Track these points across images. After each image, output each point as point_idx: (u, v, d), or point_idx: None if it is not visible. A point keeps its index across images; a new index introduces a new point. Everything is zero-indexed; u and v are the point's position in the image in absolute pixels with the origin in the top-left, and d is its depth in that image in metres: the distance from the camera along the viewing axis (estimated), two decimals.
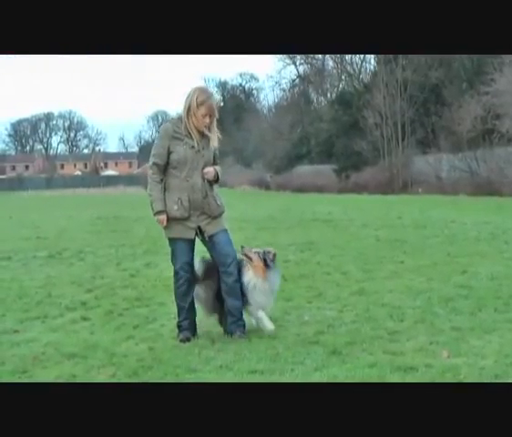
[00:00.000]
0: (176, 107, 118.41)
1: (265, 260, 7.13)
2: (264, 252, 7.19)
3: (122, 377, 5.79)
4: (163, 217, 7.01)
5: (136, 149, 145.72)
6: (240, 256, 7.22)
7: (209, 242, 7.12)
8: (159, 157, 7.03)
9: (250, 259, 7.15)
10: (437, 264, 11.72)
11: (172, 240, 7.14)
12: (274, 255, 7.23)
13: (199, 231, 7.08)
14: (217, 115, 7.14)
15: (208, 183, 7.10)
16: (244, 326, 7.16)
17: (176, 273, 7.16)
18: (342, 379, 5.52)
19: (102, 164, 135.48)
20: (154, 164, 7.06)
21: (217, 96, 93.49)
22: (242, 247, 7.26)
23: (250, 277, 7.16)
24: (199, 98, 6.95)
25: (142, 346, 6.79)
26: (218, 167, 7.19)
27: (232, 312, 7.13)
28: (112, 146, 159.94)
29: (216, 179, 7.16)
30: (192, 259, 7.16)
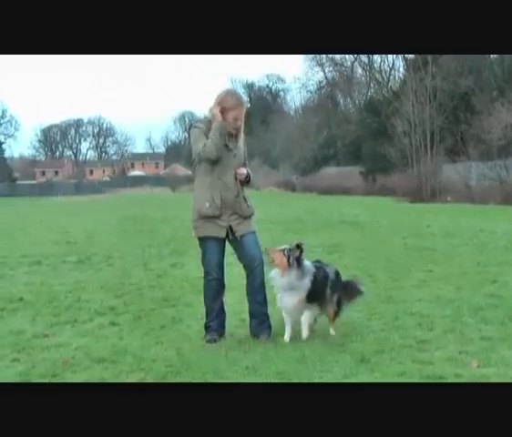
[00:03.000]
0: (203, 109, 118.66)
1: (289, 258, 6.98)
2: (289, 250, 7.01)
3: (151, 381, 5.81)
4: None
5: (162, 150, 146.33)
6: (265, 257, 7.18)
7: (238, 242, 7.13)
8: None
9: (273, 259, 7.06)
10: (467, 273, 11.62)
11: (203, 240, 7.14)
12: (299, 253, 7.01)
13: (230, 231, 7.09)
14: (244, 117, 7.18)
15: (239, 183, 7.13)
16: (270, 328, 7.17)
17: (207, 274, 7.17)
18: None
19: (129, 164, 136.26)
20: (204, 145, 6.96)
21: (244, 97, 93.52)
22: (266, 249, 7.19)
23: (273, 274, 7.11)
24: (230, 102, 7.02)
25: (170, 351, 6.81)
26: (249, 169, 7.24)
27: (256, 315, 7.14)
28: (139, 146, 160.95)
29: (247, 180, 7.19)
30: (223, 259, 7.16)
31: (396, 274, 11.62)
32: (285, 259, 6.96)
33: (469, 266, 12.52)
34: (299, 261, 6.99)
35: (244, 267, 7.20)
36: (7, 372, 6.17)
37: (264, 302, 7.19)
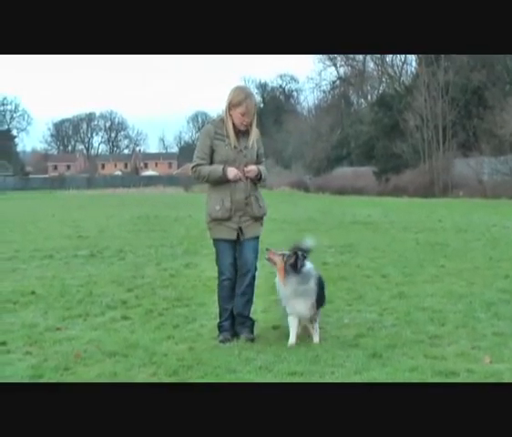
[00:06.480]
0: (216, 108, 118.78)
1: (285, 264, 6.85)
2: (288, 256, 6.88)
3: (162, 376, 5.83)
4: (231, 168, 6.94)
5: (176, 150, 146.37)
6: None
7: (241, 243, 7.10)
8: (203, 158, 7.05)
9: (274, 262, 6.94)
10: (479, 268, 11.59)
11: (216, 242, 7.15)
12: (295, 259, 6.85)
13: (241, 232, 7.06)
14: (253, 114, 7.05)
15: (251, 183, 7.10)
16: (250, 327, 7.14)
17: (220, 274, 7.16)
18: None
19: (142, 164, 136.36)
20: (198, 165, 7.08)
21: (257, 97, 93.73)
22: (267, 249, 7.04)
23: (277, 281, 7.06)
24: (237, 98, 6.98)
25: (182, 346, 6.82)
26: (261, 167, 7.17)
27: (238, 316, 7.12)
28: (152, 146, 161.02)
29: (259, 178, 7.14)
30: (235, 260, 7.14)
31: (408, 269, 11.60)
32: (283, 265, 6.85)
33: (481, 261, 12.49)
34: (295, 267, 6.82)
35: (238, 267, 7.17)
36: (20, 365, 6.19)
37: (247, 305, 7.14)
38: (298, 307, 6.87)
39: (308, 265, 6.95)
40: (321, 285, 7.00)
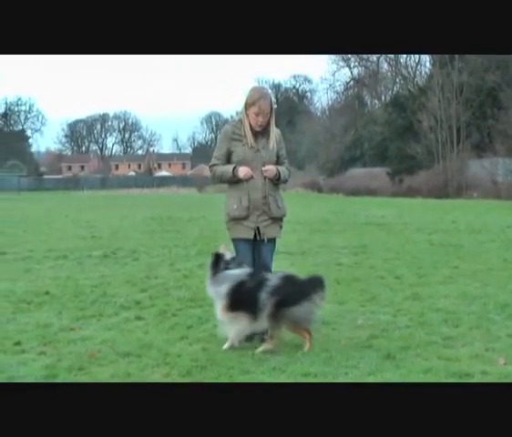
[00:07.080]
0: (230, 109, 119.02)
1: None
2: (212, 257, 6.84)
3: (176, 376, 5.83)
4: (242, 167, 6.95)
5: (189, 151, 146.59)
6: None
7: (261, 244, 7.09)
8: (219, 158, 7.09)
9: None
10: (493, 270, 11.55)
11: (234, 241, 7.16)
12: (214, 261, 6.80)
13: (258, 232, 7.05)
14: (267, 114, 7.00)
15: (271, 183, 7.07)
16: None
17: None
18: None
19: (156, 165, 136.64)
20: (213, 165, 7.13)
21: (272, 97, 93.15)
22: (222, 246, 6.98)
23: None
24: (251, 98, 6.99)
25: (196, 346, 6.82)
26: (281, 167, 7.13)
27: None
28: (166, 147, 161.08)
29: (278, 178, 7.10)
30: (254, 261, 7.10)
31: (422, 271, 11.58)
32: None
33: (496, 262, 12.45)
34: (212, 269, 6.77)
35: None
36: (34, 365, 6.20)
37: None
38: (216, 308, 6.80)
39: (231, 271, 6.75)
40: (240, 289, 6.63)
